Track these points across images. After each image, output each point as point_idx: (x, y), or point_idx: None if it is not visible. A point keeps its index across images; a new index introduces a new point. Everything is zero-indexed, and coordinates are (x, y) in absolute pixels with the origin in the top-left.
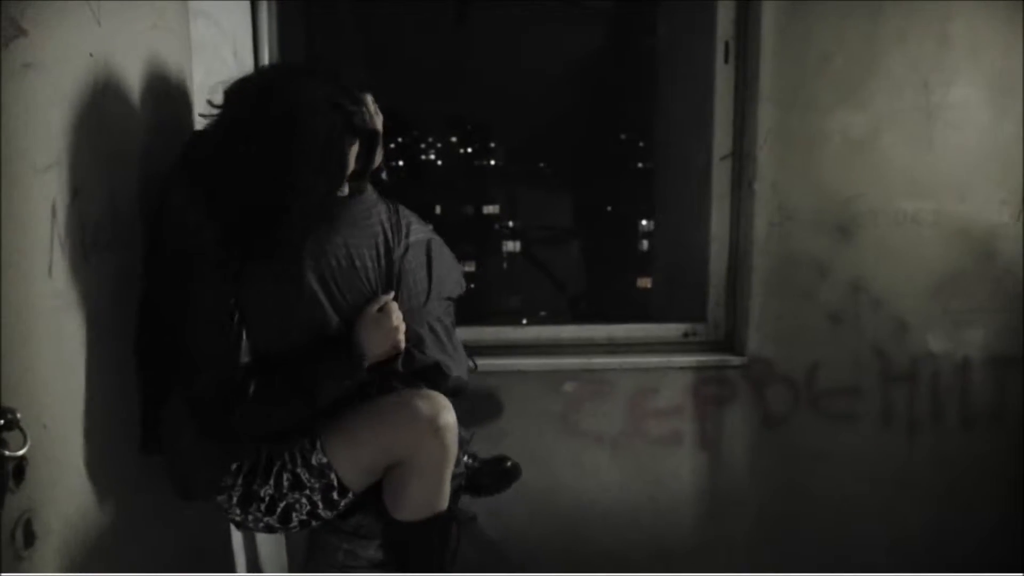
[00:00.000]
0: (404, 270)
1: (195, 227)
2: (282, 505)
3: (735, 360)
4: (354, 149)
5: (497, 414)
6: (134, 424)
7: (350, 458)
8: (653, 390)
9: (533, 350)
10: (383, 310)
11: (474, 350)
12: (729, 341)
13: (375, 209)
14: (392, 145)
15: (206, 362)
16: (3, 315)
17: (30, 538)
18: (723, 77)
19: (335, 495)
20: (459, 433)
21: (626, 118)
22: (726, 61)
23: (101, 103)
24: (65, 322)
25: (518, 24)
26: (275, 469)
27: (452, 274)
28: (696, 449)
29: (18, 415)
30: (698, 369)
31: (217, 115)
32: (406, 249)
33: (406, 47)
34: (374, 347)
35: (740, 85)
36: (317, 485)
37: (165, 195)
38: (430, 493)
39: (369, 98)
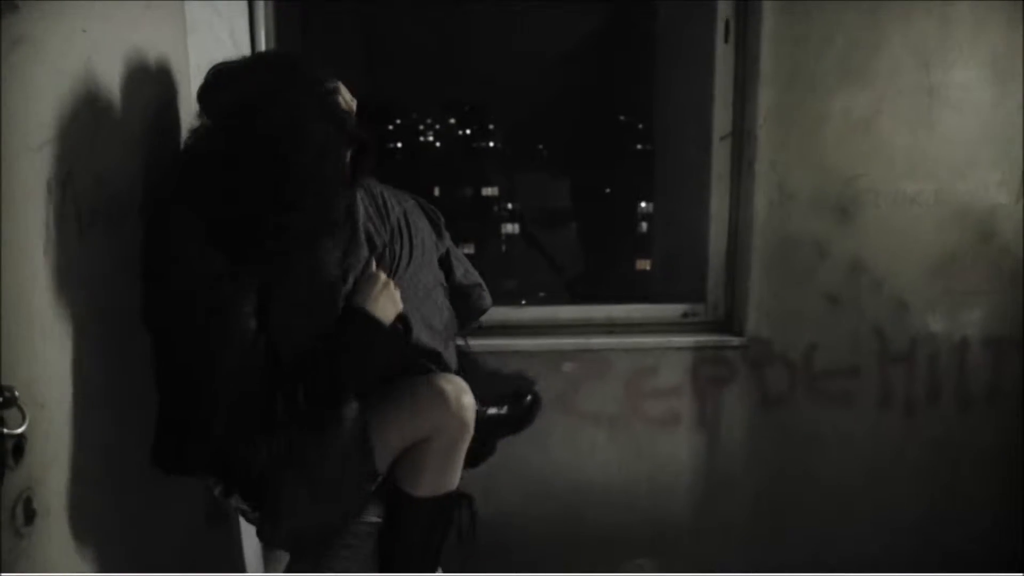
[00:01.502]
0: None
1: (202, 261)
2: None
3: (734, 340)
4: (347, 159)
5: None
6: (133, 404)
7: (380, 443)
8: (652, 370)
9: (532, 331)
10: (369, 278)
11: (474, 332)
12: (728, 322)
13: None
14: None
15: (240, 386)
16: (0, 294)
17: (30, 515)
18: (723, 57)
19: (372, 485)
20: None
21: (625, 99)
22: (726, 41)
23: (95, 81)
24: (62, 301)
25: (517, 5)
26: None
27: (426, 248)
28: (694, 429)
29: (16, 393)
30: (697, 349)
31: (205, 132)
32: (391, 232)
33: (404, 28)
34: (369, 304)
35: (740, 65)
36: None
37: (160, 229)
38: (446, 471)
39: (342, 87)
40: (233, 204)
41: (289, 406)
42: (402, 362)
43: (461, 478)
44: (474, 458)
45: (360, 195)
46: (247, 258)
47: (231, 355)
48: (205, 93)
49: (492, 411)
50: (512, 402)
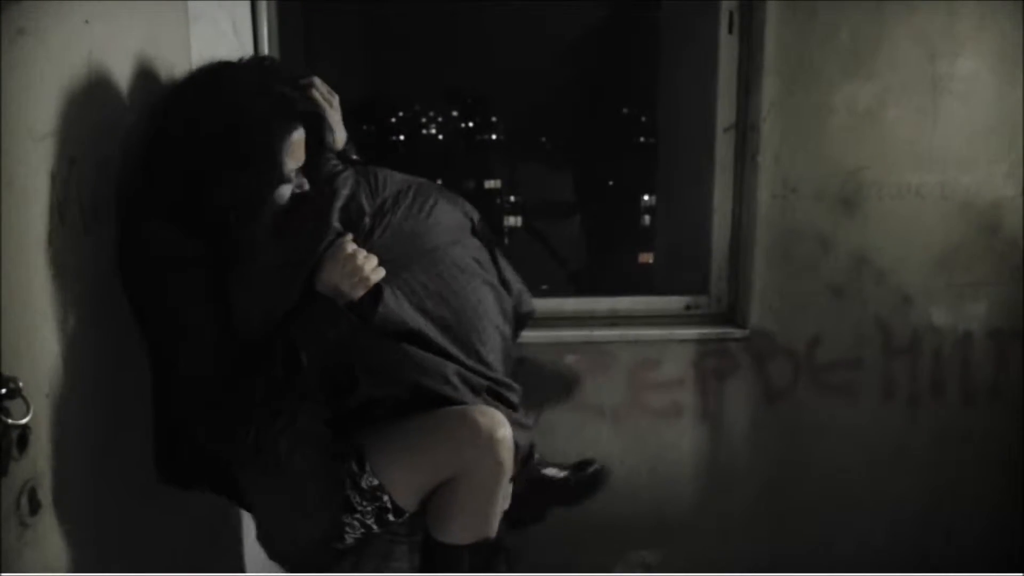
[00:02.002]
0: (381, 226)
1: (169, 246)
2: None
3: (737, 333)
4: (298, 136)
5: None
6: (136, 396)
7: (403, 479)
8: (654, 363)
9: (535, 323)
10: (333, 249)
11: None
12: (731, 314)
13: (340, 181)
14: (367, 126)
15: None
16: (4, 285)
17: (35, 506)
18: (727, 48)
19: (390, 516)
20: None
21: (628, 92)
22: (730, 32)
23: (97, 72)
24: (66, 292)
25: None
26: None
27: (442, 220)
28: (697, 422)
29: (20, 384)
30: (700, 342)
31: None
32: (381, 205)
33: (407, 19)
34: (333, 278)
35: (744, 56)
36: (370, 508)
37: (132, 230)
38: (480, 515)
39: (317, 81)
40: (175, 176)
41: (250, 398)
42: (368, 337)
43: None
44: (518, 520)
45: (351, 179)
46: (196, 231)
47: (202, 341)
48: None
49: (551, 472)
50: (576, 469)
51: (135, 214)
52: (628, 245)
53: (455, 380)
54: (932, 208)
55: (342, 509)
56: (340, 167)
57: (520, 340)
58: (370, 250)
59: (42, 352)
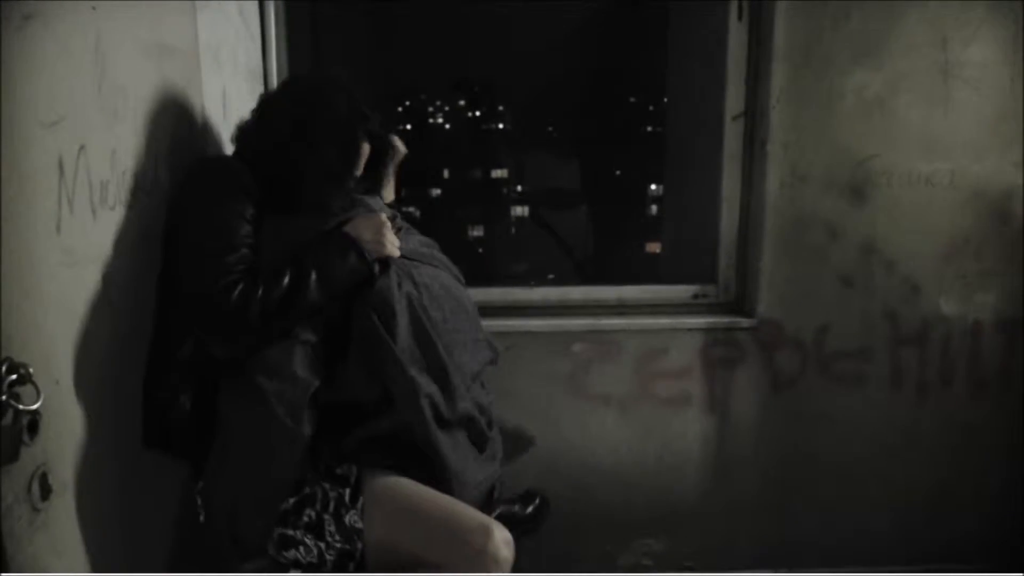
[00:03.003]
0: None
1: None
2: (285, 532)
3: (744, 322)
4: (366, 150)
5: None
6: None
7: (386, 540)
8: (662, 351)
9: (542, 311)
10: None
11: (482, 311)
12: (739, 303)
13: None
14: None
15: (221, 268)
16: (14, 271)
17: (46, 491)
18: (736, 35)
19: (350, 565)
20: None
21: (636, 81)
22: (739, 19)
23: (104, 58)
24: (76, 279)
25: None
26: (305, 493)
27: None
28: (704, 411)
29: (31, 370)
30: (707, 331)
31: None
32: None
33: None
34: (360, 229)
35: (753, 44)
36: (337, 544)
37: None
38: None
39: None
40: (265, 147)
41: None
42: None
43: None
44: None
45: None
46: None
47: (228, 260)
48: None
49: (503, 509)
50: (522, 503)
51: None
52: (636, 234)
53: (424, 403)
54: (942, 197)
55: (308, 529)
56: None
57: (529, 329)
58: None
59: (52, 339)
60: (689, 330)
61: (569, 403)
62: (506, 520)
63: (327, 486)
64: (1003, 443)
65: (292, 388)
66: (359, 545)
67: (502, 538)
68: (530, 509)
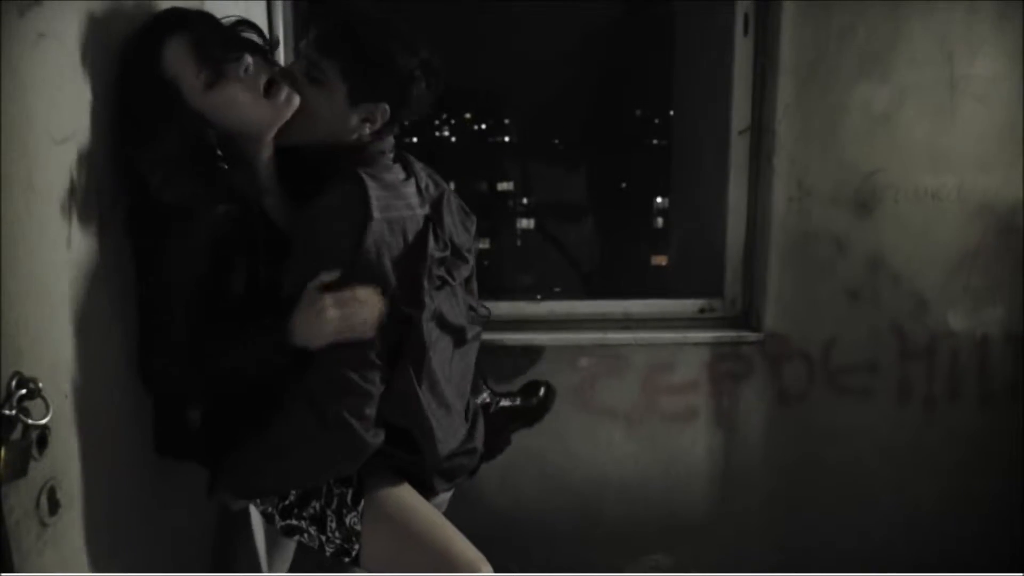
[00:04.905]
0: None
1: None
2: (291, 522)
3: (751, 336)
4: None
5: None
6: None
7: (380, 547)
8: (668, 366)
9: (548, 325)
10: (321, 291)
11: (488, 325)
12: (745, 317)
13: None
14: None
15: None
16: (24, 286)
17: (54, 506)
18: (742, 50)
19: (345, 559)
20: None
21: (642, 94)
22: (745, 33)
23: (115, 75)
24: (85, 294)
25: None
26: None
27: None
28: (711, 425)
29: (40, 384)
30: (714, 345)
31: None
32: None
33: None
34: (304, 333)
35: (759, 58)
36: (337, 540)
37: None
38: None
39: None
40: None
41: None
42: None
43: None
44: (489, 450)
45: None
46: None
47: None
48: None
49: (505, 403)
50: (525, 393)
51: None
52: (642, 247)
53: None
54: (949, 211)
55: (313, 520)
56: None
57: (534, 342)
58: None
59: (61, 353)
60: (696, 344)
61: (576, 417)
62: (510, 412)
63: (332, 481)
64: (1011, 457)
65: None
66: (355, 546)
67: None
68: (534, 400)
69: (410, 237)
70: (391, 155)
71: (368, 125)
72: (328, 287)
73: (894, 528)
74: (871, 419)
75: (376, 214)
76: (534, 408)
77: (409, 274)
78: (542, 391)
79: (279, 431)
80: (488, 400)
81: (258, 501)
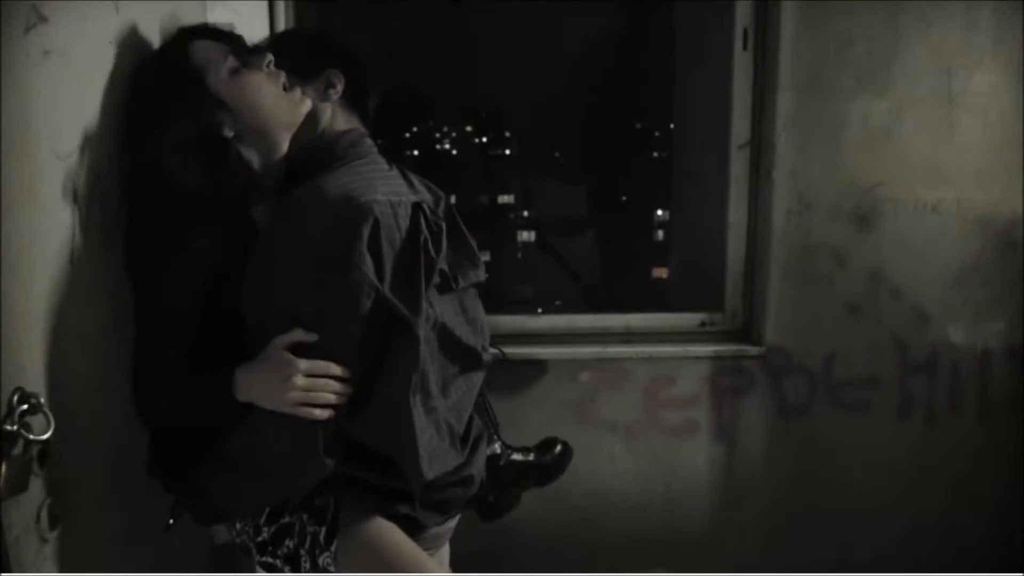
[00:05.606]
0: None
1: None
2: (267, 559)
3: (752, 350)
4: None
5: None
6: None
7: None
8: (669, 380)
9: (549, 339)
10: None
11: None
12: (746, 331)
13: None
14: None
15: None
16: (26, 301)
17: (54, 521)
18: (741, 64)
19: None
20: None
21: (642, 107)
22: (744, 48)
23: (120, 90)
24: (87, 309)
25: (533, 11)
26: (283, 522)
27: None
28: (712, 439)
29: (42, 400)
30: (715, 359)
31: None
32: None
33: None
34: (258, 392)
35: (759, 72)
36: None
37: None
38: None
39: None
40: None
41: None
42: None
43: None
44: (492, 510)
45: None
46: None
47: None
48: None
49: (517, 457)
50: (540, 450)
51: None
52: (642, 260)
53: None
54: (949, 224)
55: (287, 560)
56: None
57: (534, 356)
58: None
59: (63, 368)
60: (696, 358)
61: (576, 431)
62: (521, 468)
63: (305, 517)
64: (1012, 471)
65: None
66: None
67: None
68: (548, 457)
69: (403, 225)
70: (373, 146)
71: (332, 92)
72: (297, 348)
73: (895, 542)
74: (872, 433)
75: (380, 196)
76: (548, 465)
77: (404, 271)
78: (558, 448)
79: (231, 452)
80: (499, 452)
81: (235, 533)
